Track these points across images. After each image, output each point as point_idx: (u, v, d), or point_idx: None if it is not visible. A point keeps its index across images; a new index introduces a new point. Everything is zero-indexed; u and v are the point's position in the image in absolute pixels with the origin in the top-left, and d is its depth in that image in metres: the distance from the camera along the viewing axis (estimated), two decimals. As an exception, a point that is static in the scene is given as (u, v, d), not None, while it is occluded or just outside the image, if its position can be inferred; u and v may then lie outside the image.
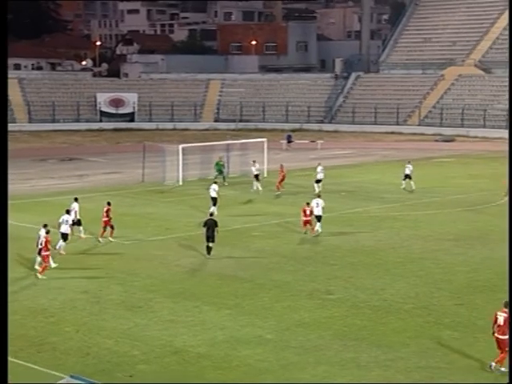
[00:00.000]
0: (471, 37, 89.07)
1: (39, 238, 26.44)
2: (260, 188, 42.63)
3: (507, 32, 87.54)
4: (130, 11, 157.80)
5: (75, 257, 28.89)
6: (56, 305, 23.19)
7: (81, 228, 31.44)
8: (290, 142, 67.61)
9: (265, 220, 35.37)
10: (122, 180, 42.46)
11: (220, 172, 45.68)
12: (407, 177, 44.13)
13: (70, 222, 29.41)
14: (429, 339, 20.31)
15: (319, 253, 29.54)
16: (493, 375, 18.07)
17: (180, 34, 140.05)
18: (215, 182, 37.96)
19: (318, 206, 32.21)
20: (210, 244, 28.49)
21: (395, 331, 20.93)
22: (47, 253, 26.12)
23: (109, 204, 31.38)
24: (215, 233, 28.47)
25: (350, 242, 30.97)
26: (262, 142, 50.32)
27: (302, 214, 32.33)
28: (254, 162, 44.22)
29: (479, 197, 41.58)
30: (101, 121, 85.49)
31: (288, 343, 20.04)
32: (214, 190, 36.59)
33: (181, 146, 46.58)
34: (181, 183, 45.43)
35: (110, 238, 31.02)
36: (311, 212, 32.06)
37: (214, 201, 36.22)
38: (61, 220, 29.00)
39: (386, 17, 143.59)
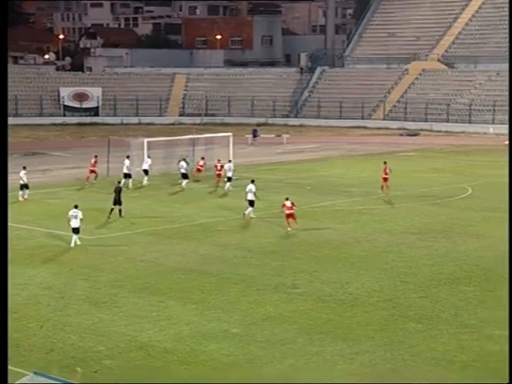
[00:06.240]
0: (435, 32, 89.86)
1: None
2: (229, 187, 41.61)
3: (469, 27, 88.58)
4: (93, 5, 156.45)
5: (39, 252, 28.62)
6: (19, 301, 22.94)
7: (129, 181, 41.26)
8: (255, 136, 67.66)
9: (230, 214, 35.34)
10: (86, 174, 42.11)
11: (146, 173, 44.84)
12: (146, 172, 43.16)
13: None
14: (393, 332, 20.45)
15: (285, 247, 29.60)
16: (457, 366, 18.26)
17: (144, 28, 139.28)
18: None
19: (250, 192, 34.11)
20: (119, 207, 33.41)
21: (360, 324, 21.05)
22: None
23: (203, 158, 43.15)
24: (121, 196, 33.50)
25: (315, 236, 31.06)
26: (228, 136, 50.23)
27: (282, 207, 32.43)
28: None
29: (442, 190, 41.98)
30: (64, 115, 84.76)
31: (254, 337, 20.05)
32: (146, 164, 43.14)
33: (146, 140, 46.33)
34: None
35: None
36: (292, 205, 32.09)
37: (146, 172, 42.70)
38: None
39: (350, 11, 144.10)
